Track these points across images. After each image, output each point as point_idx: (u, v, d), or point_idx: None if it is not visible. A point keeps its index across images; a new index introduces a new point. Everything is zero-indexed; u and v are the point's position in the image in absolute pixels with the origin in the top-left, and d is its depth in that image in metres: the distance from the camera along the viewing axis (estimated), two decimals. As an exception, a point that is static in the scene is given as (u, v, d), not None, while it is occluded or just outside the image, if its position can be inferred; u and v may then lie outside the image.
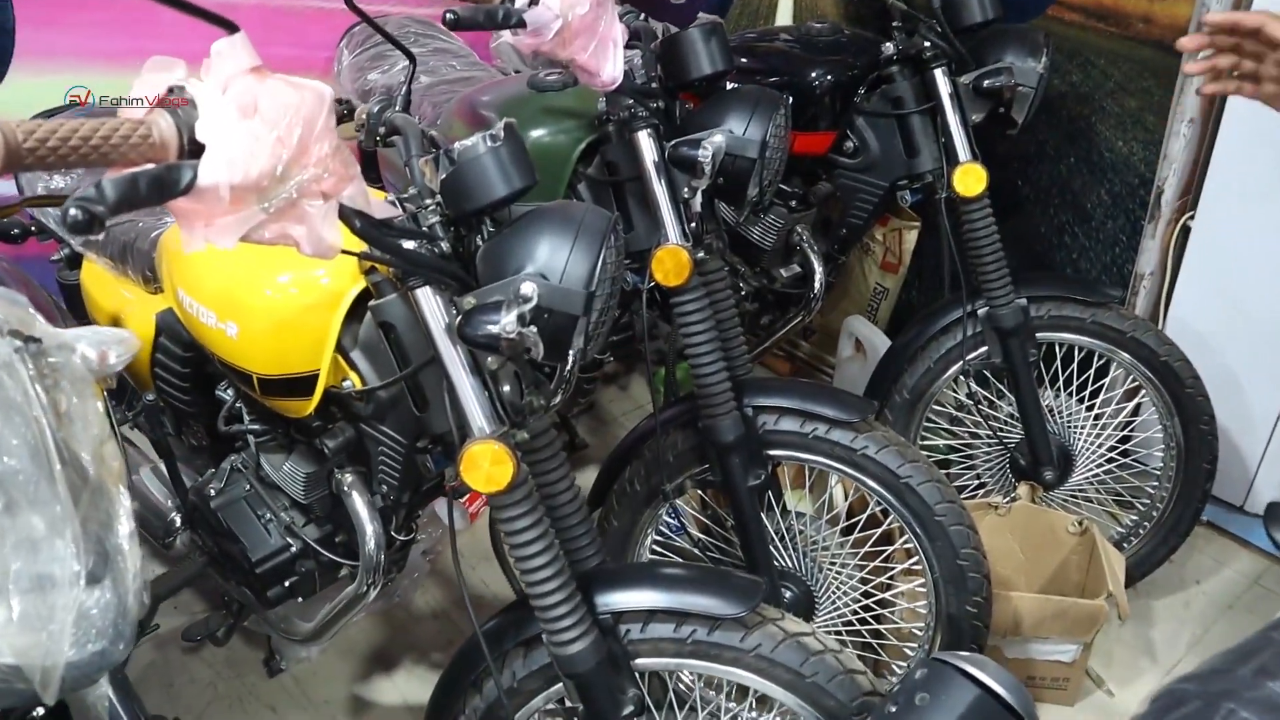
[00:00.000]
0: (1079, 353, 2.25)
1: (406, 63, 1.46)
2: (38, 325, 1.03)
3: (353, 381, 1.47)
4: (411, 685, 2.20)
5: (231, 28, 0.93)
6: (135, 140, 0.89)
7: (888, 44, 2.14)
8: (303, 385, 1.49)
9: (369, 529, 1.59)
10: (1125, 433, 2.35)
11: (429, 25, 2.71)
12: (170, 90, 0.93)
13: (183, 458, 1.95)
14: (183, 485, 1.82)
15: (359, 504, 1.60)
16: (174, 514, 1.89)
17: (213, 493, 1.73)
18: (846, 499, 1.99)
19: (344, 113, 1.48)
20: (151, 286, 1.78)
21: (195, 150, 0.91)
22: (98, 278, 1.93)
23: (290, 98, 0.95)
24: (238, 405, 1.70)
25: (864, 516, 1.93)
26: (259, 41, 0.96)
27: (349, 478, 1.60)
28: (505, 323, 1.17)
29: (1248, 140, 2.15)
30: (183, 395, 1.78)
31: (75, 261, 2.04)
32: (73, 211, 0.77)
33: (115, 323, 1.85)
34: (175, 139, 0.92)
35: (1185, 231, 2.32)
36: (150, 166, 0.87)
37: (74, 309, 2.08)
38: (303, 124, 0.95)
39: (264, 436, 1.70)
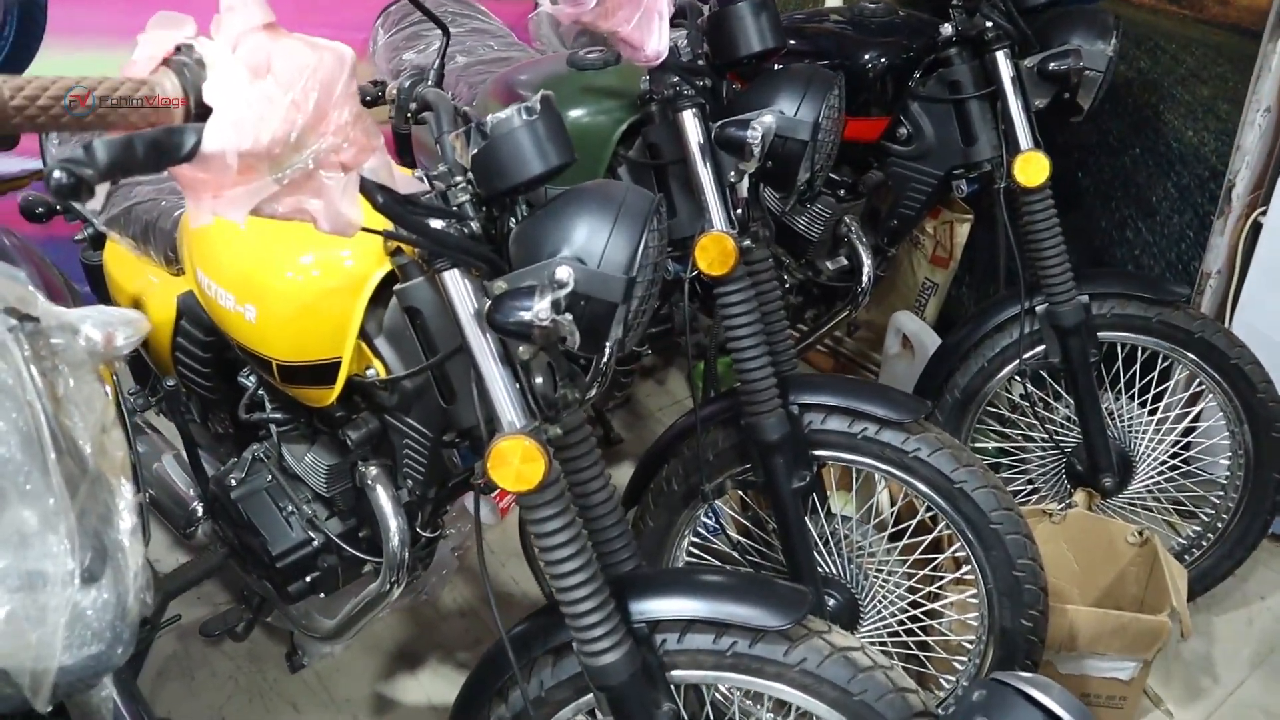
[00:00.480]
0: (1141, 353, 2.13)
1: (438, 46, 1.38)
2: (38, 303, 0.96)
3: (376, 370, 1.40)
4: (437, 685, 2.13)
5: (245, -17, 0.85)
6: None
7: (946, 25, 2.03)
8: (324, 373, 1.41)
9: (393, 525, 1.53)
10: (1188, 439, 2.23)
11: (467, 4, 2.63)
12: (177, 49, 0.86)
13: (207, 445, 1.90)
14: (204, 474, 1.76)
15: (383, 498, 1.53)
16: (195, 503, 1.84)
17: (233, 483, 1.67)
18: (895, 504, 1.89)
19: (378, 94, 1.41)
20: (173, 268, 1.72)
21: (203, 114, 0.84)
22: (120, 259, 1.88)
23: (307, 58, 0.87)
24: (259, 393, 1.63)
25: (914, 522, 1.83)
26: (291, 23, 0.88)
27: (373, 471, 1.54)
28: (539, 309, 1.08)
29: (1329, 131, 2.03)
30: (204, 381, 1.72)
31: (99, 242, 1.98)
32: (57, 174, 0.69)
33: (137, 305, 1.79)
34: (181, 102, 0.85)
35: (1256, 228, 2.19)
36: (150, 129, 0.79)
37: (98, 291, 2.03)
38: (320, 87, 0.87)
39: (286, 426, 1.64)
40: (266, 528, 1.64)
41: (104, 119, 0.79)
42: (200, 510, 1.81)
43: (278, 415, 1.63)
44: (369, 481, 1.54)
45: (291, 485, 1.66)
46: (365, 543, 1.66)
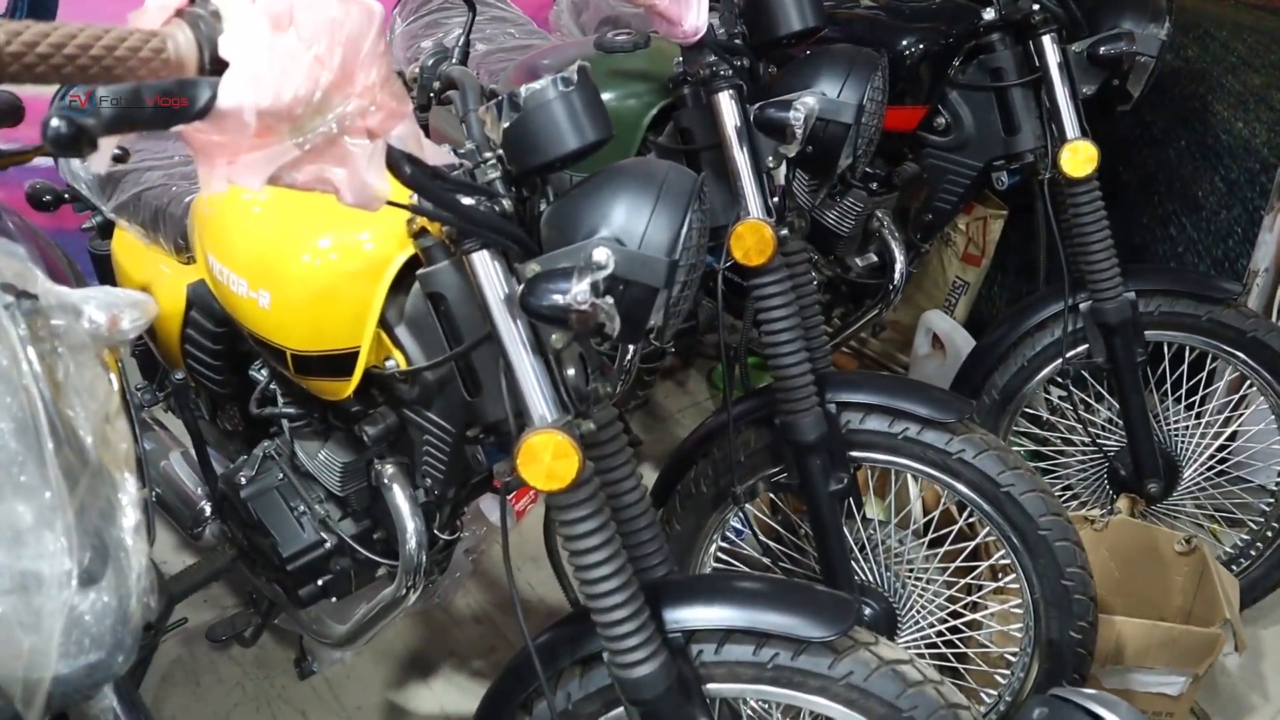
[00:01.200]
0: (1189, 353, 2.05)
1: (460, 32, 1.31)
2: (37, 280, 0.88)
3: (397, 361, 1.32)
4: (450, 693, 2.06)
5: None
6: (146, 54, 0.74)
7: (988, 9, 1.95)
8: (341, 364, 1.34)
9: (410, 526, 1.45)
10: (1236, 443, 2.14)
11: (486, -8, 2.56)
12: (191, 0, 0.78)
13: (216, 442, 1.83)
14: (213, 472, 1.69)
15: (400, 498, 1.45)
16: (203, 502, 1.77)
17: (243, 481, 1.60)
18: (933, 508, 1.80)
19: (398, 84, 1.34)
20: (184, 256, 1.65)
21: (217, 70, 0.76)
22: (129, 247, 1.81)
23: (333, 10, 0.79)
24: (271, 387, 1.56)
25: (955, 529, 1.75)
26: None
27: (390, 469, 1.46)
28: (576, 291, 1.00)
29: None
30: (214, 375, 1.65)
31: (107, 231, 1.91)
32: (55, 122, 0.61)
33: (145, 295, 1.72)
34: (195, 56, 0.77)
35: (1308, 225, 2.11)
36: (160, 80, 0.71)
37: (106, 282, 1.95)
38: (346, 43, 0.80)
39: (299, 421, 1.56)
40: (277, 528, 1.58)
41: (110, 71, 0.72)
42: (208, 510, 1.75)
43: (290, 410, 1.56)
44: (385, 480, 1.47)
45: (304, 484, 1.59)
46: (380, 545, 1.59)
